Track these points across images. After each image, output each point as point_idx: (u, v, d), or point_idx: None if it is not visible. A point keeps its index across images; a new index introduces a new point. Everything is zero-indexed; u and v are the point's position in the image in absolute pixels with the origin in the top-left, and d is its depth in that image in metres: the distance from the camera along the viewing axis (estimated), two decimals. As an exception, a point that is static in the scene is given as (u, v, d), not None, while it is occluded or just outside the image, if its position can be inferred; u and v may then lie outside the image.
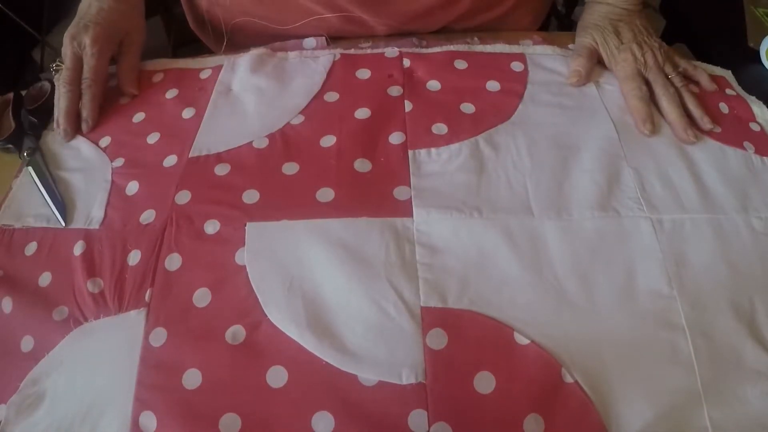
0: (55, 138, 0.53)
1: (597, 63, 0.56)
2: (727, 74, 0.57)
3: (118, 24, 0.56)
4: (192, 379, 0.37)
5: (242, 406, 0.36)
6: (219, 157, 0.48)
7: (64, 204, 0.47)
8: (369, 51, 0.57)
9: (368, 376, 0.37)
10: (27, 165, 0.50)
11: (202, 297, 0.40)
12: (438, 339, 0.38)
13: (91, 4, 0.55)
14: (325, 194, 0.45)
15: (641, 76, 0.53)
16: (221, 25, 0.61)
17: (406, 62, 0.55)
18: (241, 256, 0.42)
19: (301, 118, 0.51)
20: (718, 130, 0.50)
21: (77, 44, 0.53)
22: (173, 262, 0.42)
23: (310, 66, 0.56)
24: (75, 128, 0.53)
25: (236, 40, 0.62)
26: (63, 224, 0.46)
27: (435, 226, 0.43)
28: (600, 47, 0.56)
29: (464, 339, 0.38)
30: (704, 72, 0.55)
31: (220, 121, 0.52)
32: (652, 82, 0.53)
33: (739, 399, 0.36)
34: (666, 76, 0.54)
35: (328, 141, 0.49)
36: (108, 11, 0.55)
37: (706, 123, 0.50)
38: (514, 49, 0.57)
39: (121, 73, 0.56)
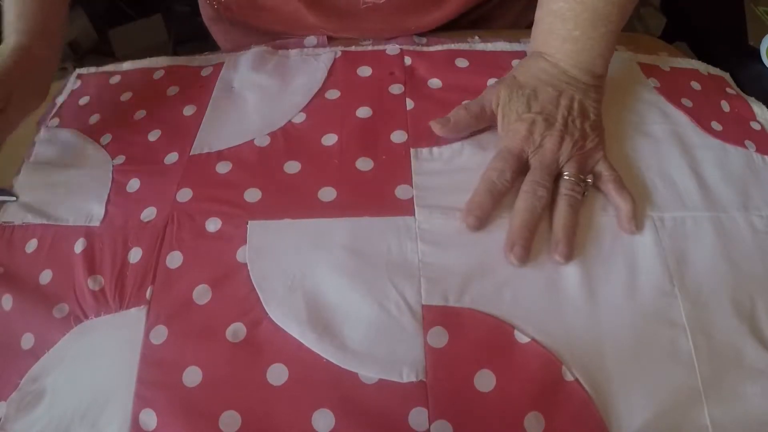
0: (54, 135, 0.53)
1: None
2: (726, 75, 0.57)
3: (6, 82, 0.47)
4: (192, 376, 0.37)
5: (242, 404, 0.36)
6: (220, 155, 0.48)
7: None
8: (370, 48, 0.57)
9: (369, 374, 0.37)
10: None
11: (202, 295, 0.40)
12: (439, 337, 0.38)
13: None
14: (327, 193, 0.45)
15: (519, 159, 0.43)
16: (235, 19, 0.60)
17: (408, 60, 0.55)
18: (243, 254, 0.42)
19: (302, 116, 0.51)
20: None
21: None
22: (174, 259, 0.42)
23: (311, 64, 0.56)
24: None
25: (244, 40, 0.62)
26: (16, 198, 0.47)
27: (437, 225, 0.43)
28: (500, 108, 0.46)
29: (465, 337, 0.38)
30: (628, 200, 0.42)
31: (222, 118, 0.52)
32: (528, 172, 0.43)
33: (739, 397, 0.36)
34: (549, 173, 0.42)
35: (330, 139, 0.49)
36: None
37: (558, 253, 0.40)
38: (515, 46, 0.57)
39: None
